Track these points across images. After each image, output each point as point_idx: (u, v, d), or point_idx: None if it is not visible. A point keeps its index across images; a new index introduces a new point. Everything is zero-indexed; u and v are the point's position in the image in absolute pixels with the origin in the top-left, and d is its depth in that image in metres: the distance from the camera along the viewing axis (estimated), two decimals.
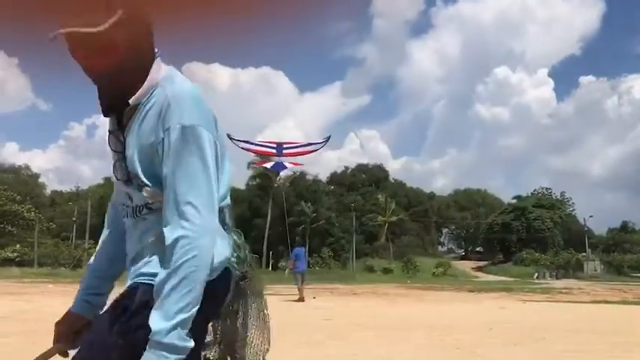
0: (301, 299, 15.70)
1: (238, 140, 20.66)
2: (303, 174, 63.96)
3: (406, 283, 30.19)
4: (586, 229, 58.19)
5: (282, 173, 60.85)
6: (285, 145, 21.61)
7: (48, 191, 78.69)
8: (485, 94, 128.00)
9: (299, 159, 23.53)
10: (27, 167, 78.81)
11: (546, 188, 73.12)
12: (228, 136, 20.37)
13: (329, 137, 22.80)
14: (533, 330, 9.65)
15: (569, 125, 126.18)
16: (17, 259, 43.10)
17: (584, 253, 55.77)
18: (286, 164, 23.23)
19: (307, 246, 51.47)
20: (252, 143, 21.41)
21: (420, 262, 49.85)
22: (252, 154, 22.64)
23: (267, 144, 21.65)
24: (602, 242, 64.81)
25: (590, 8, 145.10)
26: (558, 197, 71.38)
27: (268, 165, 22.69)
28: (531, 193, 71.25)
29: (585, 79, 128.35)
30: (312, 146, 23.43)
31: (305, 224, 54.41)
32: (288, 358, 6.31)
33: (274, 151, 21.13)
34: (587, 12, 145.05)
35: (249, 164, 53.55)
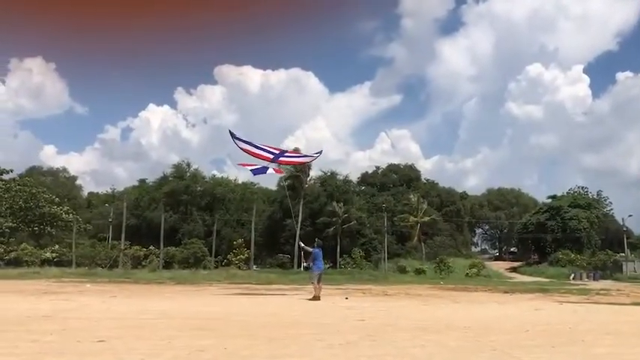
0: (316, 298, 15.95)
1: (239, 139, 20.26)
2: (333, 174, 64.08)
3: (439, 284, 29.89)
4: (624, 228, 56.57)
5: (313, 173, 61.27)
6: (286, 154, 22.06)
7: (85, 193, 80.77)
8: (517, 92, 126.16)
9: (281, 167, 24.33)
10: (65, 170, 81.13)
11: (582, 187, 71.47)
12: (230, 132, 20.67)
13: (321, 151, 24.06)
14: (571, 332, 9.46)
15: (605, 123, 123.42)
16: (56, 260, 44.31)
17: (622, 254, 54.33)
18: (269, 170, 23.96)
19: (339, 246, 51.82)
20: (254, 145, 21.42)
21: (453, 263, 49.23)
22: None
23: (268, 148, 21.77)
24: None
25: (626, 3, 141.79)
26: (594, 196, 69.67)
27: (250, 168, 23.27)
28: (566, 193, 69.69)
29: (622, 75, 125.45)
30: (307, 158, 25.77)
31: (336, 224, 54.42)
32: (323, 358, 6.34)
33: (271, 156, 21.27)
34: (624, 7, 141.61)
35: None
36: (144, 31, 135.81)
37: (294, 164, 26.30)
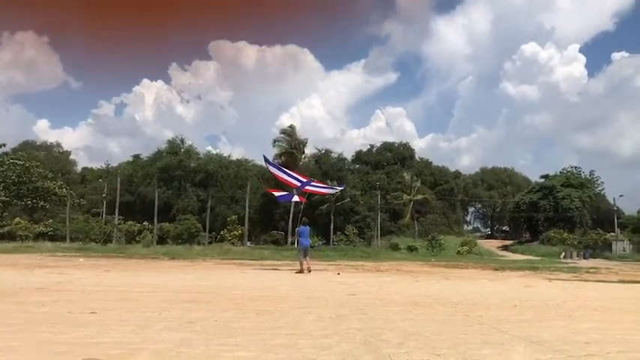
0: (301, 271, 17.44)
1: (272, 165, 22.48)
2: (328, 152, 63.93)
3: (431, 261, 30.14)
4: (615, 208, 56.96)
5: (307, 151, 61.25)
6: (312, 183, 22.94)
7: (79, 168, 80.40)
8: (512, 71, 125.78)
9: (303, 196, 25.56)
10: (58, 145, 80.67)
11: (575, 167, 71.67)
12: (265, 158, 23.93)
13: (343, 186, 25.70)
14: (559, 308, 9.61)
15: (600, 103, 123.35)
16: (50, 234, 44.30)
17: (612, 233, 54.76)
18: (294, 198, 25.34)
19: (332, 224, 51.96)
20: (284, 172, 22.61)
21: (445, 241, 49.46)
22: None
23: (296, 176, 22.83)
24: (632, 222, 63.50)
25: None
26: (587, 176, 69.98)
27: (277, 194, 24.67)
28: (559, 172, 69.93)
29: (618, 55, 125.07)
30: (331, 190, 28.16)
31: (329, 202, 54.52)
32: (313, 330, 6.42)
33: (298, 184, 22.10)
34: None
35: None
36: (138, 5, 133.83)
37: (317, 194, 28.43)
